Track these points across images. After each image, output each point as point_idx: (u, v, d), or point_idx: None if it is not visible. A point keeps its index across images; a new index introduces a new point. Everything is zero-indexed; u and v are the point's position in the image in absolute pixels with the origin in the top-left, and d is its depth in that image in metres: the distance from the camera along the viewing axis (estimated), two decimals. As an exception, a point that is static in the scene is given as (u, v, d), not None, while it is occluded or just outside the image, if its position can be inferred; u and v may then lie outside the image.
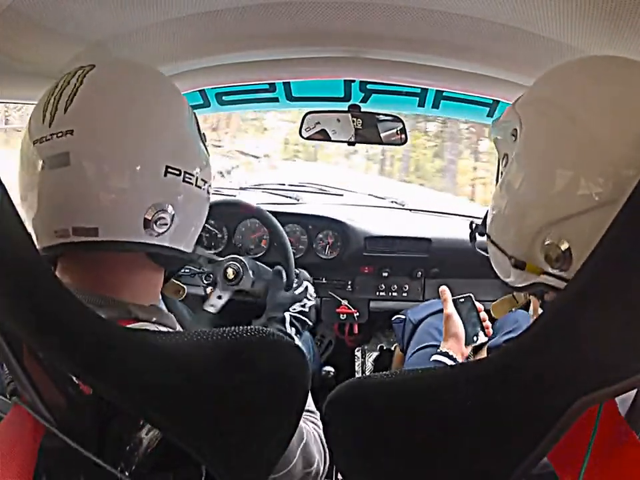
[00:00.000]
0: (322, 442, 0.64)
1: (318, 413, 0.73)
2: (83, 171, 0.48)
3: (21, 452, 0.38)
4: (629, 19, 0.61)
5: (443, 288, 0.94)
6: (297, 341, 0.89)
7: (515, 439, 0.35)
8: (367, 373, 1.36)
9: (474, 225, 0.60)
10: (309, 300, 0.97)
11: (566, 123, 0.44)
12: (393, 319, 1.23)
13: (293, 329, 0.90)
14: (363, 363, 1.42)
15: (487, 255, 0.57)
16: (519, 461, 0.34)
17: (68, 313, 0.35)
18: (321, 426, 0.68)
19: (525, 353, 0.35)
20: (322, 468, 0.63)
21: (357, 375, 1.32)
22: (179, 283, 0.68)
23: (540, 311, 0.54)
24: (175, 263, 0.60)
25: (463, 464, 0.37)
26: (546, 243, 0.45)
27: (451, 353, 0.83)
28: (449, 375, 0.39)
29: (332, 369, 1.34)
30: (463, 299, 0.93)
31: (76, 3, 0.64)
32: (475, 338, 0.88)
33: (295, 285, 0.99)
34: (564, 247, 0.43)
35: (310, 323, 0.94)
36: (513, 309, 0.63)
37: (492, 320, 0.76)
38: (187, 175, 0.53)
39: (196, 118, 0.59)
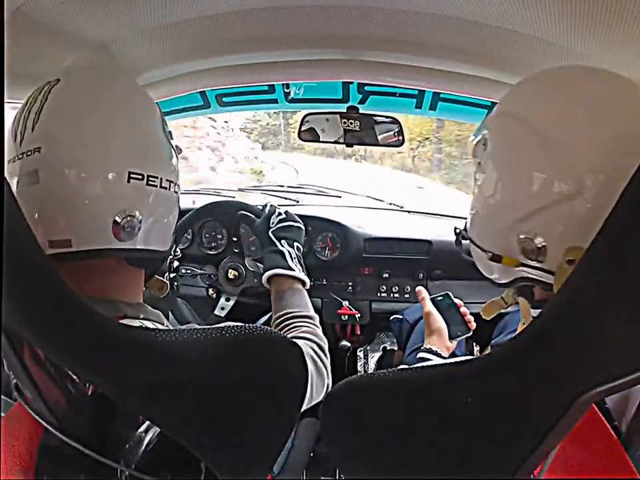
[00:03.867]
0: (323, 369, 0.65)
1: (316, 317, 0.74)
2: (51, 186, 0.50)
3: (22, 449, 0.38)
4: (626, 21, 0.62)
5: (419, 288, 0.96)
6: (292, 254, 0.84)
7: (517, 436, 0.34)
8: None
9: (457, 230, 0.64)
10: (279, 208, 0.93)
11: (523, 131, 0.48)
12: (390, 319, 1.23)
13: (284, 241, 0.85)
14: (365, 363, 1.42)
15: (471, 259, 0.61)
16: (522, 458, 0.34)
17: (69, 311, 0.35)
18: (318, 333, 0.70)
19: (528, 349, 0.34)
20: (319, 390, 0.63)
21: None
22: (161, 279, 0.69)
23: (532, 311, 0.56)
24: (152, 263, 0.62)
25: (463, 461, 0.37)
26: (520, 236, 0.49)
27: (434, 349, 0.84)
28: (449, 371, 0.39)
29: (348, 343, 1.36)
30: (441, 297, 0.95)
31: (79, 6, 0.65)
32: (458, 332, 0.90)
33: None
34: (537, 240, 0.48)
35: (296, 224, 0.90)
36: (502, 310, 0.64)
37: (482, 320, 0.77)
38: (151, 179, 0.55)
39: (162, 117, 0.60)
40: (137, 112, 0.56)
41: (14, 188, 0.50)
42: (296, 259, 0.84)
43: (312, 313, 0.75)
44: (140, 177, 0.53)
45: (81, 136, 0.51)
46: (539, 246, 0.48)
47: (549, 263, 0.48)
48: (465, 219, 1.64)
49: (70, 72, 0.57)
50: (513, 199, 0.50)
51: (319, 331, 0.72)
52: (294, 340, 0.66)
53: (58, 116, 0.51)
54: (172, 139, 0.62)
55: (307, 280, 0.83)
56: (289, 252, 0.84)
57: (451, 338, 0.88)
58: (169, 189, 0.58)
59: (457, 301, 0.95)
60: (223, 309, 1.24)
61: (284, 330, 0.72)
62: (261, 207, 0.96)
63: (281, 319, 0.73)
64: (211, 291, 1.30)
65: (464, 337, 0.90)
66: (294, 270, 0.81)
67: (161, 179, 0.56)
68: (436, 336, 0.87)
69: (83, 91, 0.54)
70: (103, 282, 0.54)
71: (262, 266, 1.21)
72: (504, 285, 0.55)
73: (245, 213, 0.97)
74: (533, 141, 0.47)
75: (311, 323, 0.73)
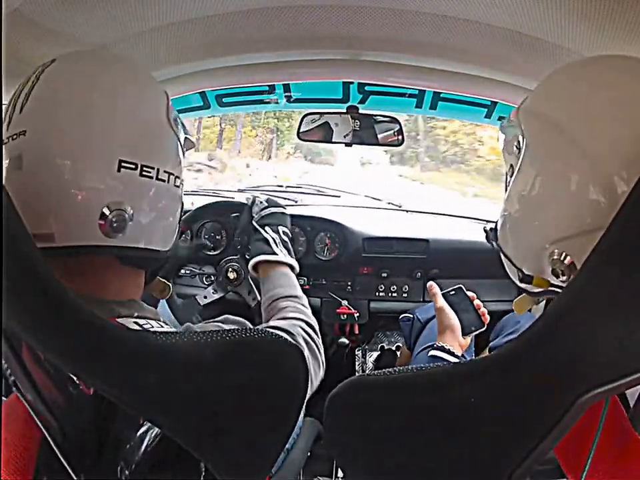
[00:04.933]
0: (316, 348, 0.64)
1: (304, 297, 0.73)
2: (34, 173, 0.46)
3: (22, 449, 0.38)
4: (624, 21, 0.62)
5: (431, 283, 0.93)
6: (276, 239, 0.83)
7: (519, 435, 0.35)
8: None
9: (487, 231, 0.60)
10: (259, 197, 0.93)
11: (566, 146, 0.43)
12: (400, 317, 1.23)
13: (267, 228, 0.85)
14: (364, 363, 1.43)
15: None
16: (522, 457, 0.34)
17: (67, 312, 0.35)
18: (306, 312, 0.70)
19: (530, 349, 0.35)
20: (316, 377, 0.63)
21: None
22: (164, 281, 0.65)
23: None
24: (148, 263, 0.56)
25: (465, 460, 0.37)
26: (552, 258, 0.46)
27: (447, 347, 0.82)
28: (452, 371, 0.39)
29: (346, 340, 1.34)
30: (453, 291, 0.92)
31: (78, 6, 0.65)
32: (472, 327, 0.87)
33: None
34: (568, 261, 0.44)
35: (278, 209, 0.90)
36: (535, 306, 0.61)
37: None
38: (145, 169, 0.50)
39: (168, 103, 0.55)
40: (133, 95, 0.51)
41: (4, 172, 0.46)
42: (281, 244, 0.83)
43: (299, 292, 0.75)
44: (132, 166, 0.48)
45: (67, 118, 0.46)
46: (570, 267, 0.44)
47: None
48: (463, 218, 1.64)
49: (65, 54, 0.53)
50: (551, 220, 0.46)
51: (308, 311, 0.71)
52: (284, 320, 0.65)
53: (46, 98, 0.47)
54: (178, 128, 0.56)
55: (294, 262, 0.82)
56: (272, 238, 0.83)
57: (465, 333, 0.86)
58: (167, 182, 0.53)
59: (469, 294, 0.92)
60: (205, 297, 1.22)
61: (273, 311, 0.71)
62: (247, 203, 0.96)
63: (269, 301, 0.72)
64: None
65: (478, 331, 0.88)
66: (277, 255, 0.80)
67: (158, 169, 0.51)
68: (449, 333, 0.84)
69: (74, 72, 0.50)
70: (95, 280, 0.51)
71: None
72: (534, 294, 0.52)
73: (236, 214, 0.97)
74: (580, 161, 0.42)
75: (298, 302, 0.72)
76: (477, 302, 0.91)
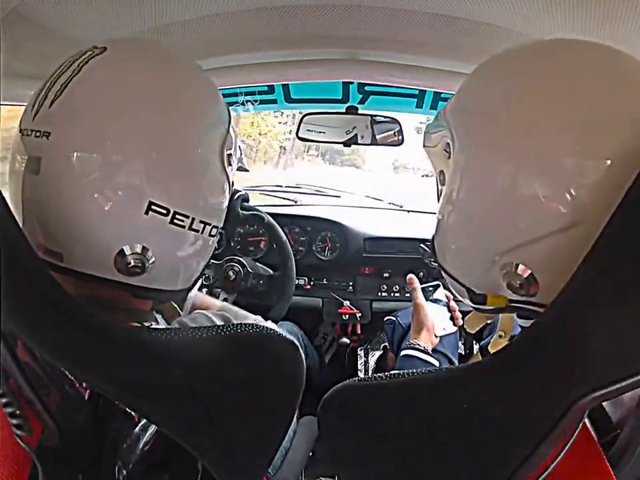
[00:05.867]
0: None
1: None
2: (51, 184, 0.40)
3: (19, 449, 0.38)
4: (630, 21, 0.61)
5: (411, 276, 0.88)
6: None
7: (516, 439, 0.34)
8: (370, 372, 1.37)
9: (423, 249, 0.55)
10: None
11: (502, 138, 0.37)
12: (384, 320, 1.22)
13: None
14: (366, 362, 1.43)
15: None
16: (520, 462, 0.34)
17: (66, 312, 0.35)
18: None
19: (526, 353, 0.34)
20: None
21: (359, 374, 1.33)
22: (175, 306, 0.59)
23: (520, 321, 0.48)
24: (164, 298, 0.52)
25: (462, 465, 0.36)
26: (504, 270, 0.39)
27: (421, 345, 0.80)
28: (444, 377, 0.38)
29: (347, 340, 1.36)
30: (431, 288, 0.90)
31: (76, 5, 0.65)
32: (443, 328, 0.86)
33: None
34: (526, 273, 0.38)
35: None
36: (488, 322, 0.57)
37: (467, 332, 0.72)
38: (178, 217, 0.43)
39: (226, 135, 0.48)
40: (188, 120, 0.44)
41: (18, 165, 0.42)
42: None
43: None
44: (164, 211, 0.42)
45: (101, 134, 0.40)
46: (528, 279, 0.38)
47: (542, 297, 0.39)
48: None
49: (122, 43, 0.46)
50: (500, 227, 0.39)
51: None
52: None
53: (81, 99, 0.40)
54: (232, 164, 0.48)
55: None
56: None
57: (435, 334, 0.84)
58: (202, 232, 0.46)
59: (446, 293, 0.90)
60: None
61: None
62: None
63: None
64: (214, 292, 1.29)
65: (448, 333, 0.86)
66: None
67: (193, 219, 0.44)
68: (425, 331, 0.83)
69: (125, 75, 0.42)
70: (97, 294, 0.46)
71: (261, 266, 1.20)
72: (489, 311, 0.46)
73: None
74: (516, 148, 0.36)
75: None
76: (452, 303, 0.89)
